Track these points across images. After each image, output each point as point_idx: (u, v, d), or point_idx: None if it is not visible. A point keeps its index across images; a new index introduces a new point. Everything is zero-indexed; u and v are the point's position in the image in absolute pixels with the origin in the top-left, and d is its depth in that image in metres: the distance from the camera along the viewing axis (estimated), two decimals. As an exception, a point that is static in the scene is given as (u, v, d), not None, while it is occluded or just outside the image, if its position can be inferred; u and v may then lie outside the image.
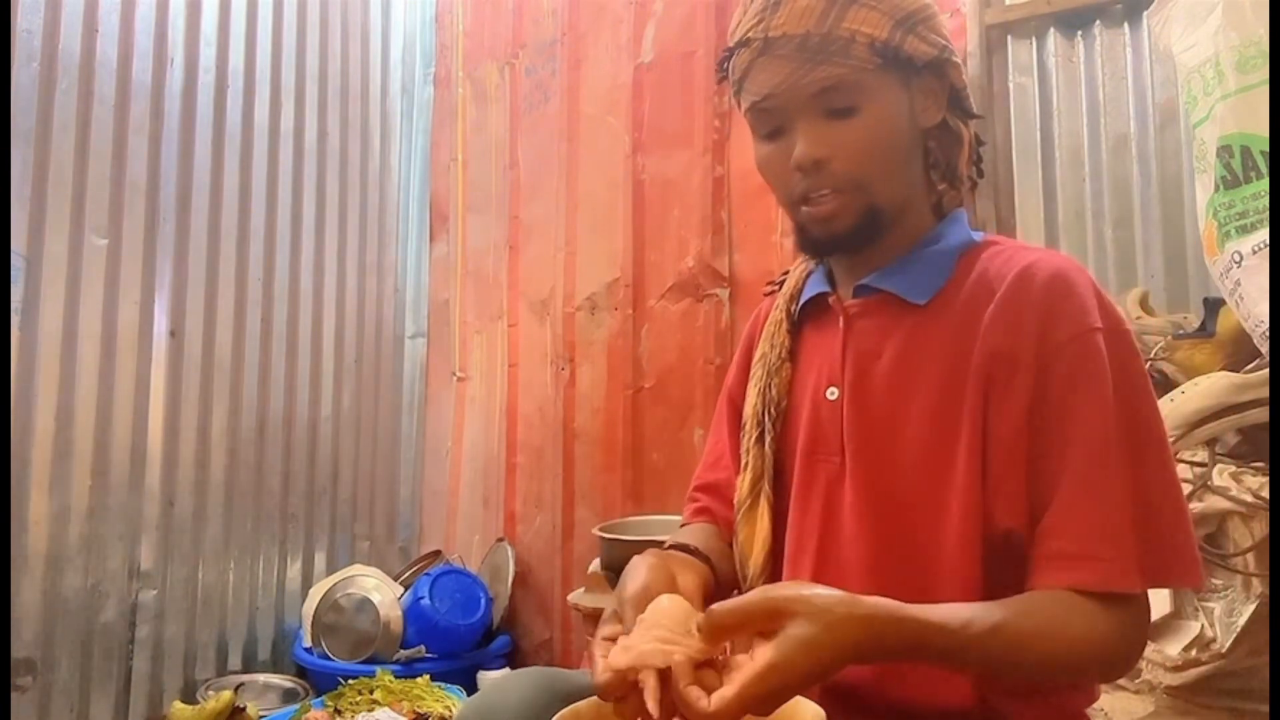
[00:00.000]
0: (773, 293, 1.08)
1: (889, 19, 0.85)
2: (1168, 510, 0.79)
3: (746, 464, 0.98)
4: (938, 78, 0.91)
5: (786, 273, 1.07)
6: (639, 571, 0.81)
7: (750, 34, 0.87)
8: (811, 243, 0.92)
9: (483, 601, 2.59)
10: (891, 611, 0.69)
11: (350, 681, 2.27)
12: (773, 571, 0.94)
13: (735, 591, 0.98)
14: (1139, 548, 0.76)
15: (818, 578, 0.89)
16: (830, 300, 0.96)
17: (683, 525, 1.12)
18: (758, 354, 1.03)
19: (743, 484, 0.98)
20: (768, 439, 0.96)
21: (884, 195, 0.88)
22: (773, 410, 0.97)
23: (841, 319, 0.93)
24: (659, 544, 0.97)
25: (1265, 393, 1.34)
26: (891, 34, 0.85)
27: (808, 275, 1.02)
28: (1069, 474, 0.78)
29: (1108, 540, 0.76)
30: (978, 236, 0.93)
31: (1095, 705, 0.90)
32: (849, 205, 0.87)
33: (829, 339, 0.94)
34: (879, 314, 0.91)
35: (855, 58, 0.84)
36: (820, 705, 0.73)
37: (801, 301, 1.00)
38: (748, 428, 0.99)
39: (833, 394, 0.91)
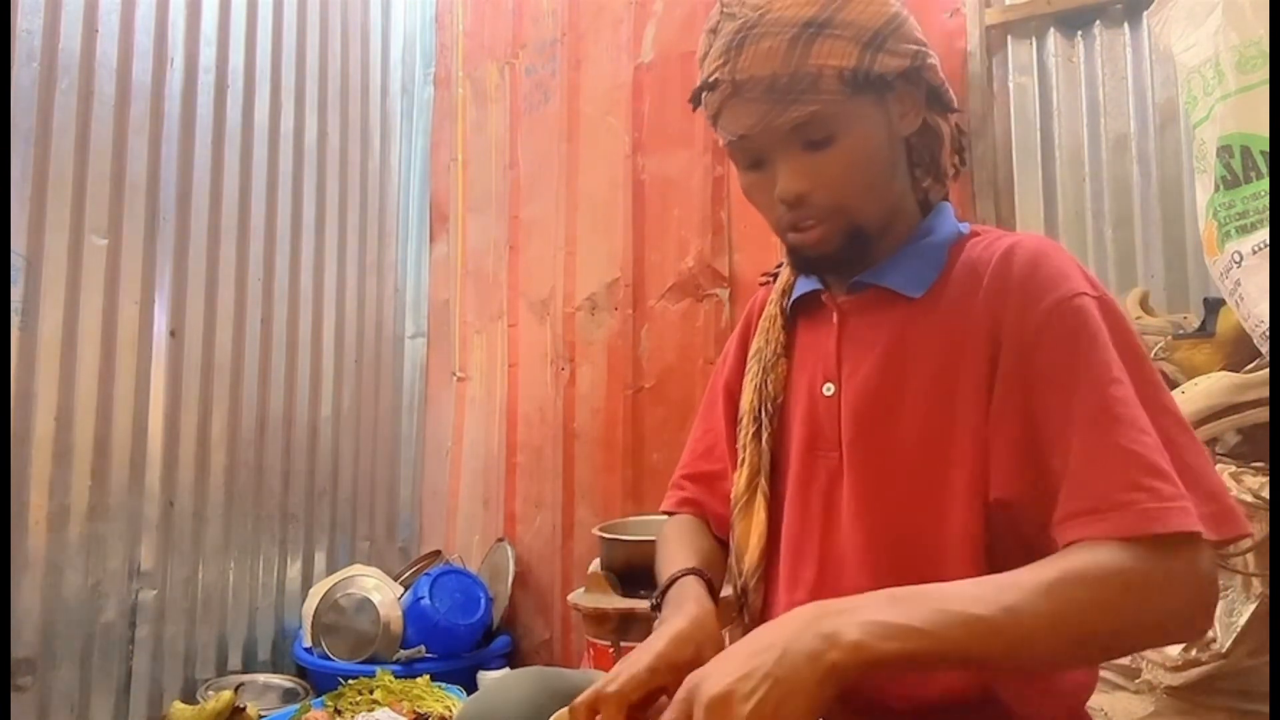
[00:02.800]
0: (768, 282, 1.08)
1: (856, 44, 0.83)
2: (1194, 455, 0.74)
3: (743, 459, 0.98)
4: (913, 84, 0.90)
5: (782, 264, 1.06)
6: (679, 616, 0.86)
7: (718, 76, 0.86)
8: (804, 263, 0.94)
9: (483, 601, 2.59)
10: (902, 588, 0.70)
11: (350, 681, 2.27)
12: (768, 566, 0.95)
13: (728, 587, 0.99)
14: (1172, 489, 0.71)
15: (818, 573, 0.89)
16: (823, 297, 0.96)
17: (666, 512, 1.12)
18: (753, 348, 1.02)
19: (739, 479, 0.98)
20: (764, 435, 0.96)
21: (867, 214, 0.88)
22: (769, 406, 0.97)
23: (835, 315, 0.94)
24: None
25: (1265, 393, 1.34)
26: (860, 59, 0.83)
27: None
28: (1077, 434, 0.75)
29: (1130, 487, 0.71)
30: (964, 228, 0.93)
31: (1095, 705, 0.89)
32: (834, 230, 0.87)
33: (823, 335, 0.95)
34: (873, 309, 0.91)
35: (826, 91, 0.83)
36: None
37: (793, 298, 1.00)
38: (744, 423, 0.99)
39: (829, 390, 0.92)
